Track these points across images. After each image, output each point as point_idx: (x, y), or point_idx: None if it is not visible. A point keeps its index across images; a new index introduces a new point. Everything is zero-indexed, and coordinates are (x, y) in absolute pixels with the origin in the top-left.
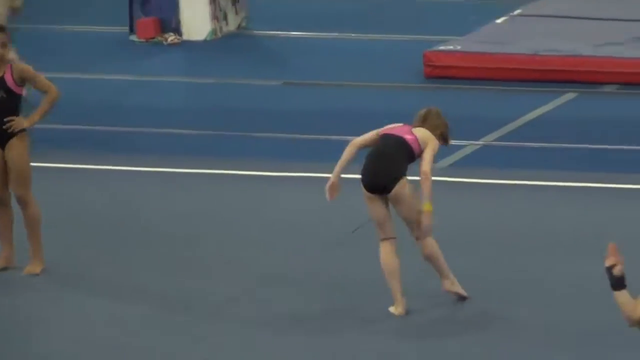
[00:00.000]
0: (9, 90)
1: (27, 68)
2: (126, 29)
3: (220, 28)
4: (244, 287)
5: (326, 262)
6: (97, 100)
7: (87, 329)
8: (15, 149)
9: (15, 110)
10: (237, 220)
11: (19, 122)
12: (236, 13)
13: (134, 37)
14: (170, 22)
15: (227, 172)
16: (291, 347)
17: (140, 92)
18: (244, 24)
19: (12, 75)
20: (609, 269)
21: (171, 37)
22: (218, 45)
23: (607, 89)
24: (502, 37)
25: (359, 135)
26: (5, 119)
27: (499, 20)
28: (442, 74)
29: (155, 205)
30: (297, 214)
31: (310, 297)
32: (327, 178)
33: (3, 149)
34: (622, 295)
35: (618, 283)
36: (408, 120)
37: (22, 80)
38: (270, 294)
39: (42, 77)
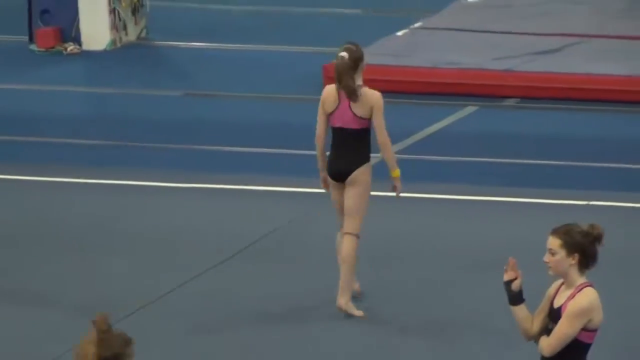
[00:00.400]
0: None
1: None
2: (26, 38)
3: (120, 38)
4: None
5: (208, 276)
6: None
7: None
8: None
9: None
10: (135, 231)
11: None
12: (136, 23)
13: (33, 47)
14: (70, 31)
15: (125, 182)
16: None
17: (40, 101)
18: (143, 34)
19: None
20: (508, 284)
21: (71, 47)
22: (118, 55)
23: (508, 102)
24: (402, 49)
25: (259, 145)
26: None
27: (399, 33)
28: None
29: (46, 215)
30: (195, 224)
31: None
32: (226, 189)
33: None
34: (521, 310)
35: (516, 298)
36: (306, 131)
37: None
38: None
39: None
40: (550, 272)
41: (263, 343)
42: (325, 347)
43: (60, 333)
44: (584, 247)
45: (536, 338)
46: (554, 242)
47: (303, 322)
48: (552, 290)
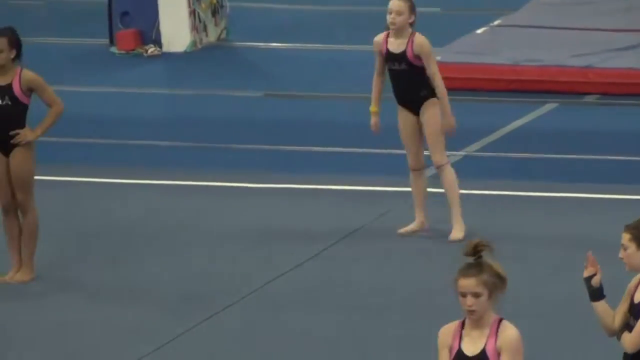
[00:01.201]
0: (14, 98)
1: (37, 78)
2: (106, 41)
3: (200, 39)
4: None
5: (301, 274)
6: (77, 112)
7: (84, 335)
8: (18, 156)
9: (21, 119)
10: (221, 230)
11: (25, 134)
12: (216, 24)
13: (114, 49)
14: (150, 34)
15: (209, 183)
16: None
17: (121, 104)
18: (224, 35)
19: (20, 83)
20: (588, 280)
21: (151, 49)
22: (198, 57)
23: (588, 99)
24: (482, 47)
25: (340, 145)
26: (10, 129)
27: (479, 31)
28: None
29: (138, 216)
30: (278, 225)
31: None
32: (309, 189)
33: (8, 157)
34: (601, 306)
35: (596, 294)
36: (387, 130)
37: (30, 90)
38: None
39: (50, 90)
40: (627, 268)
41: (371, 329)
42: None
43: (155, 329)
44: None
45: (618, 334)
46: (625, 237)
47: (408, 313)
48: (632, 285)
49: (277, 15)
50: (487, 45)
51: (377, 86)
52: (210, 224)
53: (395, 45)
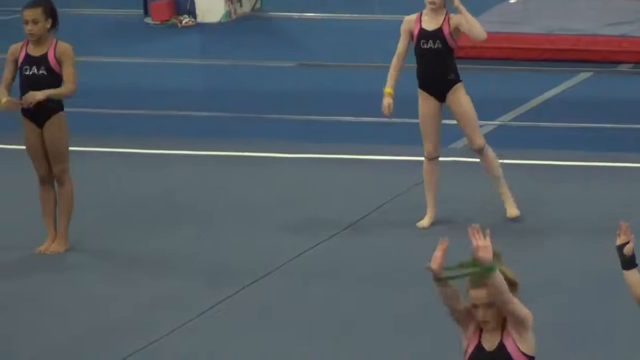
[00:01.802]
0: (50, 69)
1: (69, 51)
2: (141, 11)
3: (235, 10)
4: (263, 265)
5: (336, 245)
6: (112, 83)
7: (116, 307)
8: (52, 127)
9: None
10: (254, 200)
11: (31, 95)
12: None
13: (148, 20)
14: (184, 4)
15: (243, 154)
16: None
17: (156, 74)
18: (258, 6)
19: (55, 53)
20: (620, 248)
21: (186, 20)
22: (232, 28)
23: (622, 68)
24: (515, 16)
25: (374, 115)
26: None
27: (512, 0)
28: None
29: (173, 187)
30: (310, 194)
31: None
32: (342, 159)
33: (42, 128)
34: (633, 275)
35: (628, 262)
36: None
37: (61, 60)
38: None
39: (74, 70)
40: None
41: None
42: None
43: (185, 301)
44: None
45: None
46: None
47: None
48: None
49: None
50: (521, 14)
51: (396, 67)
52: (243, 193)
53: (430, 23)
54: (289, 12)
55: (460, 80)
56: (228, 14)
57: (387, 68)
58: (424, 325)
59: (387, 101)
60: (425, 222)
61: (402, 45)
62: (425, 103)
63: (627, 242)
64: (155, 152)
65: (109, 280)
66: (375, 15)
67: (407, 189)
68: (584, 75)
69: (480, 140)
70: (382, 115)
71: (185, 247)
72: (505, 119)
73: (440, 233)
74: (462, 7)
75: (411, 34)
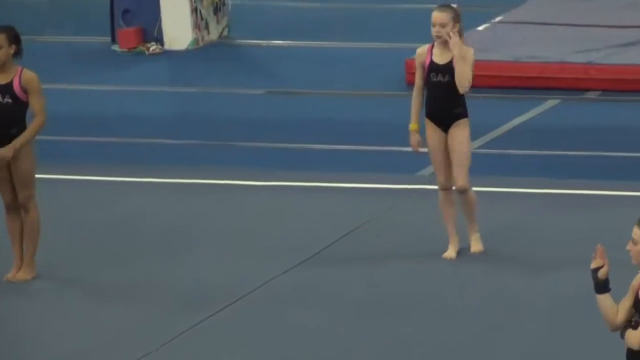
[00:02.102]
0: (15, 97)
1: (34, 80)
2: (108, 39)
3: (202, 37)
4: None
5: (307, 271)
6: (79, 110)
7: (82, 335)
8: (18, 154)
9: (21, 118)
10: (225, 227)
11: (3, 153)
12: (218, 22)
13: (116, 47)
14: (152, 31)
15: (212, 181)
16: None
17: (122, 102)
18: (225, 33)
19: (20, 82)
20: (595, 271)
21: (153, 47)
22: (200, 55)
23: (590, 95)
24: (483, 44)
25: (342, 142)
26: (10, 127)
27: (480, 28)
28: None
29: (141, 215)
30: (281, 221)
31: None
32: (311, 187)
33: None
34: (605, 299)
35: (602, 286)
36: (389, 128)
37: (27, 89)
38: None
39: (42, 99)
40: (633, 261)
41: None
42: (434, 338)
43: (154, 329)
44: None
45: (621, 330)
46: (636, 232)
47: (407, 313)
48: (636, 281)
49: (279, 13)
50: (489, 42)
51: (417, 103)
52: (213, 221)
53: (441, 57)
54: (256, 39)
55: (466, 116)
56: (195, 41)
57: (354, 95)
58: (397, 352)
59: (414, 139)
60: (451, 253)
61: (418, 78)
62: (433, 135)
63: (602, 266)
64: (124, 180)
65: (75, 308)
66: (344, 42)
67: (378, 215)
68: (551, 103)
69: (465, 182)
70: (351, 142)
71: (154, 275)
72: (472, 146)
73: (408, 260)
74: (456, 51)
75: (423, 67)
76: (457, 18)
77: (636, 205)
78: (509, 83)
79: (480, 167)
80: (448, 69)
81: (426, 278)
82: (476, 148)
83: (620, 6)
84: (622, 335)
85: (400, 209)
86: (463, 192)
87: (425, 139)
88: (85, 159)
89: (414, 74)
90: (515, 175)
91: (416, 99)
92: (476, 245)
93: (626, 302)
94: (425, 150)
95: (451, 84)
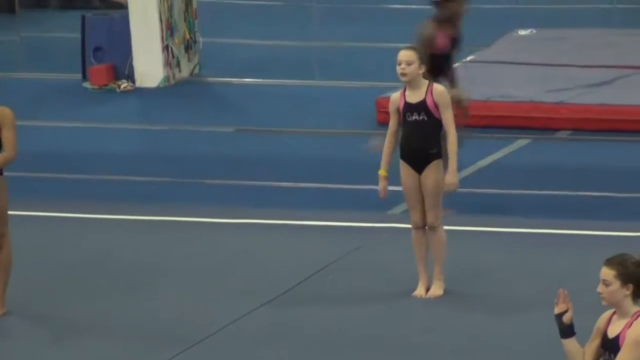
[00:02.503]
0: None
1: (9, 115)
2: (79, 76)
3: (174, 75)
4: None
5: (274, 309)
6: (50, 147)
7: None
8: None
9: None
10: (193, 265)
11: None
12: (189, 60)
13: (87, 85)
14: (123, 69)
15: (181, 219)
16: None
17: (93, 139)
18: (196, 71)
19: None
20: (559, 316)
21: (124, 84)
22: (171, 92)
23: (560, 135)
24: None
25: (313, 180)
26: None
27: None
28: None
29: (111, 252)
30: (249, 259)
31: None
32: (280, 224)
33: None
34: (571, 344)
35: (567, 331)
36: (360, 166)
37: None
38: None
39: (14, 135)
40: (604, 303)
41: None
42: None
43: None
44: (639, 277)
45: None
46: (608, 273)
47: (374, 353)
48: (602, 321)
49: (250, 51)
50: (460, 81)
51: (389, 148)
52: (182, 259)
53: (414, 96)
54: (227, 77)
55: (440, 157)
56: (167, 78)
57: (325, 134)
58: None
59: (382, 185)
60: (420, 291)
61: (392, 124)
62: (407, 174)
63: (566, 311)
64: (94, 217)
65: (44, 346)
66: (314, 80)
67: (347, 253)
68: (521, 142)
69: (436, 219)
70: (321, 180)
71: (123, 312)
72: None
73: (376, 300)
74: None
75: (398, 110)
76: (423, 58)
77: (605, 245)
78: (480, 122)
79: (450, 205)
80: (422, 106)
81: (394, 317)
82: None
83: (591, 46)
84: None
85: (370, 248)
86: (432, 228)
87: (400, 179)
88: (55, 195)
89: (384, 112)
90: (485, 214)
91: (388, 146)
92: (436, 290)
93: (592, 344)
94: (398, 189)
95: (426, 123)
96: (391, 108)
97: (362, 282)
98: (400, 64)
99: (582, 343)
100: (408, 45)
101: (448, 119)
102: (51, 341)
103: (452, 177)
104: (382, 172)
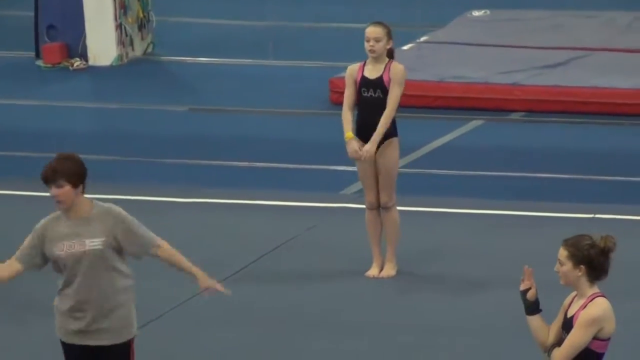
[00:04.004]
0: None
1: None
2: (32, 54)
3: (127, 53)
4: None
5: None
6: (2, 125)
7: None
8: None
9: None
10: None
11: None
12: (142, 38)
13: (40, 63)
14: (76, 47)
15: (133, 197)
16: None
17: (46, 117)
18: (150, 50)
19: None
20: (524, 293)
21: (77, 63)
22: (124, 71)
23: (514, 116)
24: (408, 63)
25: (266, 160)
26: None
27: (405, 47)
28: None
29: None
30: (201, 239)
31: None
32: (234, 204)
33: None
34: (535, 320)
35: (532, 308)
36: (313, 146)
37: None
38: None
39: None
40: (562, 282)
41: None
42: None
43: None
44: (591, 259)
45: (549, 349)
46: (562, 253)
47: (325, 331)
48: (567, 300)
49: (203, 30)
50: (413, 61)
51: (348, 115)
52: None
53: (372, 72)
54: (181, 56)
55: (396, 135)
56: (120, 57)
57: (278, 113)
58: None
59: (352, 146)
60: (374, 271)
61: (349, 94)
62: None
63: (530, 288)
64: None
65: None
66: (269, 60)
67: (300, 233)
68: (475, 123)
69: (390, 199)
70: (274, 160)
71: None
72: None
73: (329, 279)
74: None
75: (355, 82)
76: (390, 35)
77: (559, 226)
78: (433, 103)
79: (404, 186)
80: (379, 83)
81: (347, 297)
82: (400, 167)
83: (545, 27)
84: (549, 355)
85: (323, 227)
86: (386, 208)
87: (351, 160)
88: (6, 173)
89: (338, 92)
90: (438, 195)
91: (346, 113)
92: (388, 270)
93: (557, 323)
94: (352, 169)
95: (382, 100)
96: (348, 80)
97: (316, 262)
98: (369, 41)
99: (550, 322)
100: (376, 21)
101: (393, 95)
102: (6, 320)
103: (370, 145)
104: (348, 134)
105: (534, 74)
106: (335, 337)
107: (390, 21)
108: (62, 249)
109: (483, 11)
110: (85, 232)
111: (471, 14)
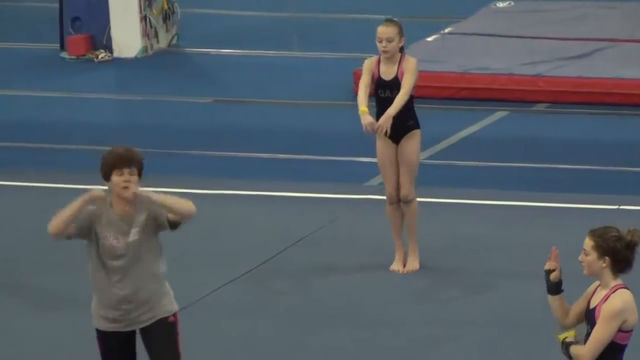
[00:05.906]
0: None
1: None
2: (57, 46)
3: (151, 45)
4: None
5: (251, 281)
6: (28, 117)
7: (26, 342)
8: None
9: None
10: (169, 236)
11: None
12: (167, 30)
13: (64, 55)
14: (101, 39)
15: (158, 189)
16: None
17: (71, 109)
18: (174, 42)
19: None
20: (548, 273)
21: (102, 55)
22: (149, 63)
23: (538, 107)
24: (432, 55)
25: (289, 152)
26: None
27: (429, 39)
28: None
29: None
30: (226, 230)
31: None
32: (257, 195)
33: None
34: (555, 300)
35: (553, 288)
36: (337, 138)
37: None
38: None
39: None
40: (585, 272)
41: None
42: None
43: (93, 337)
44: (616, 252)
45: (568, 327)
46: (588, 243)
47: (349, 325)
48: (590, 289)
49: (228, 22)
50: (438, 52)
51: (364, 91)
52: None
53: (387, 73)
54: (205, 48)
55: (418, 127)
56: (145, 49)
57: (303, 105)
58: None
59: (366, 119)
60: (398, 265)
61: (364, 79)
62: (383, 146)
63: (554, 269)
64: (70, 187)
65: (17, 315)
66: (293, 52)
67: (324, 225)
68: (499, 114)
69: (411, 192)
70: (298, 151)
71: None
72: (420, 157)
73: (351, 272)
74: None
75: (372, 74)
76: (402, 32)
77: (584, 217)
78: (458, 94)
79: (428, 178)
80: (395, 84)
81: (370, 290)
82: (424, 159)
83: (569, 18)
84: (566, 353)
85: (346, 219)
86: (406, 201)
87: (376, 152)
88: (32, 165)
89: None
90: (463, 186)
91: (362, 91)
92: (412, 264)
93: (578, 306)
94: (374, 160)
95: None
96: (365, 70)
97: (338, 254)
98: (381, 42)
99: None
100: (387, 19)
101: (407, 81)
102: (24, 311)
103: (384, 119)
104: (363, 109)
105: (558, 65)
106: (357, 330)
107: (414, 12)
108: (109, 238)
109: (507, 2)
110: (130, 223)
111: (495, 5)
